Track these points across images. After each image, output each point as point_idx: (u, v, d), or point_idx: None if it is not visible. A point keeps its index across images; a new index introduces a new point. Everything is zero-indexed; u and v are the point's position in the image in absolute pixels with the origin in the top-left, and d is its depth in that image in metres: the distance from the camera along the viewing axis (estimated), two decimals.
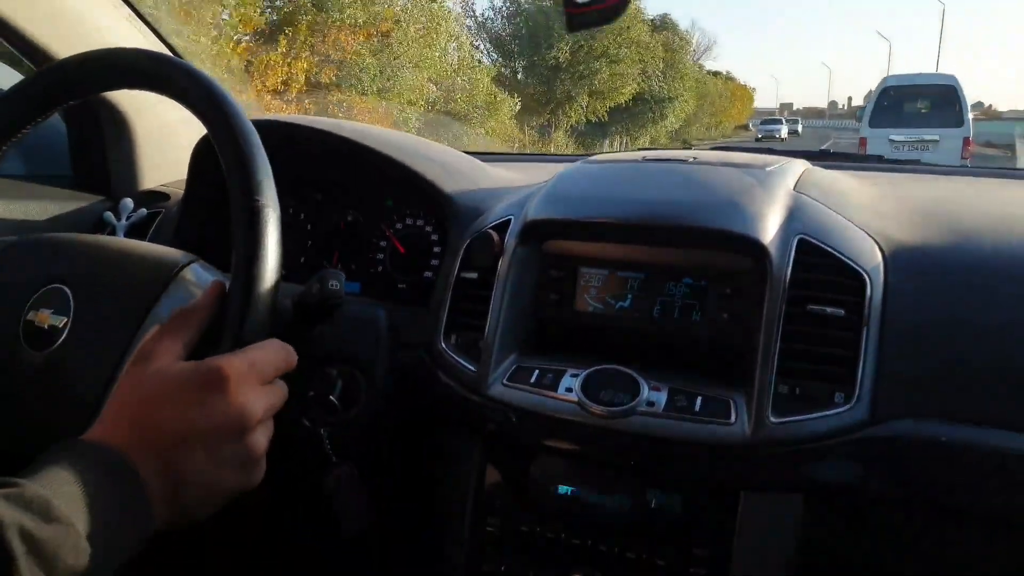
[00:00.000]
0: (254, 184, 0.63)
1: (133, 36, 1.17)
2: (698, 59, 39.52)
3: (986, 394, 0.73)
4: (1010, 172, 1.25)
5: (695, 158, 0.96)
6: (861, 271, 0.78)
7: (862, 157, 1.41)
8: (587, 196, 0.91)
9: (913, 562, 0.81)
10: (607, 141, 22.01)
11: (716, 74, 44.72)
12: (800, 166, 0.98)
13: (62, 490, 0.45)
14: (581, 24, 0.83)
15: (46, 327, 0.71)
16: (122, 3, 1.15)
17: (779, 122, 39.65)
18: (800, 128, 45.35)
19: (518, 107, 15.50)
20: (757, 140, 29.54)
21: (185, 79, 0.68)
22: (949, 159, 8.50)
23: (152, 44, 1.23)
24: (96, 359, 0.68)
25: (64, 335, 0.70)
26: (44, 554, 0.42)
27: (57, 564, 0.42)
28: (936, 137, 9.01)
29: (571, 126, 20.37)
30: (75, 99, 0.74)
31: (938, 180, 1.20)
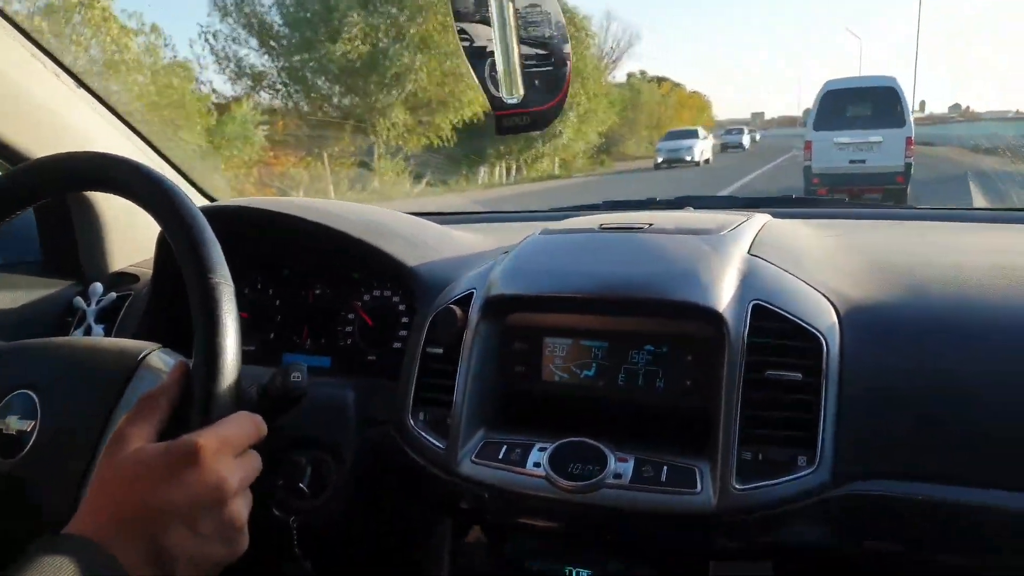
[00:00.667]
0: (206, 265, 0.65)
1: (108, 134, 1.20)
2: (614, 59, 33.07)
3: (945, 451, 0.74)
4: (956, 213, 1.28)
5: (651, 224, 0.97)
6: (816, 333, 0.79)
7: (825, 201, 1.43)
8: (546, 270, 0.92)
9: None
10: (483, 170, 16.68)
11: (660, 80, 40.18)
12: (758, 223, 1.00)
13: None
14: (508, 130, 0.85)
15: (14, 432, 0.71)
16: (95, 100, 1.17)
17: (741, 132, 37.86)
18: (758, 136, 45.38)
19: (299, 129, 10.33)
20: (657, 166, 22.87)
21: (132, 177, 0.70)
22: (893, 159, 9.01)
23: (125, 135, 1.25)
24: (65, 458, 0.69)
25: (32, 439, 0.71)
26: None
27: None
28: (880, 138, 9.25)
29: (421, 150, 13.81)
30: (30, 205, 0.76)
31: (895, 227, 1.23)
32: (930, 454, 0.75)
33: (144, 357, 0.74)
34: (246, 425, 0.61)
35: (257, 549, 0.64)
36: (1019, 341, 0.77)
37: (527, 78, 0.87)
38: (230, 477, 0.57)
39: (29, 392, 0.74)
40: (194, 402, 0.62)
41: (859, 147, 9.39)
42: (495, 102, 0.83)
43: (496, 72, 0.83)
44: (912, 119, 9.47)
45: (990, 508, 0.71)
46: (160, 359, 0.75)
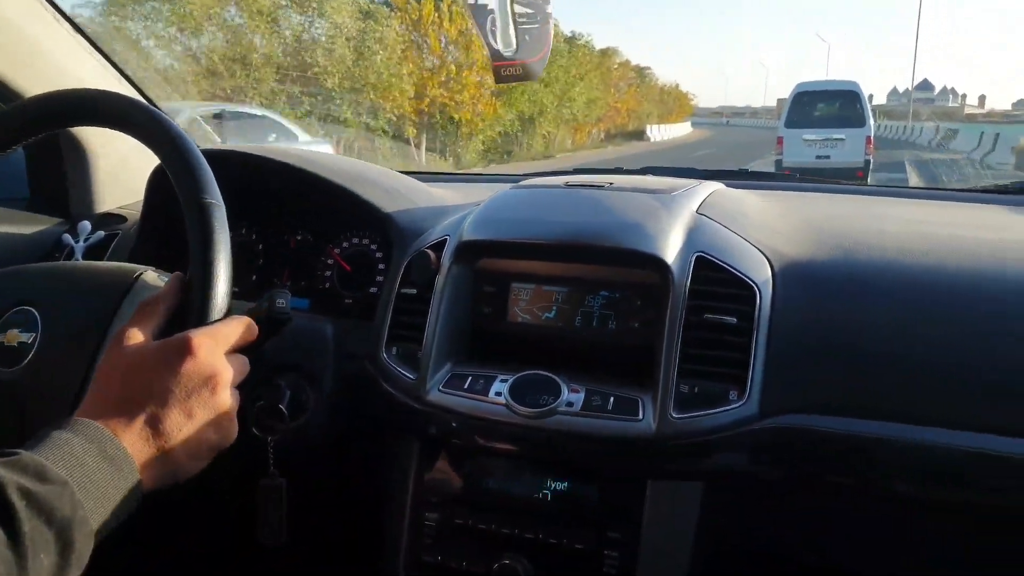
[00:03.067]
0: (201, 185, 0.71)
1: (96, 72, 1.24)
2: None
3: (855, 389, 0.84)
4: (898, 190, 1.38)
5: (611, 183, 1.06)
6: (752, 283, 0.89)
7: (777, 176, 1.53)
8: (515, 219, 1.00)
9: (801, 541, 0.92)
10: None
11: (604, 53, 30.86)
12: (708, 188, 1.10)
13: (54, 457, 0.52)
14: (506, 79, 0.93)
15: (16, 344, 0.77)
16: (87, 43, 1.21)
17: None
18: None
19: None
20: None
21: (132, 111, 0.76)
22: (855, 155, 10.12)
23: (118, 80, 1.29)
24: (66, 366, 0.75)
25: (34, 351, 0.76)
26: (42, 507, 0.49)
27: (55, 515, 0.49)
28: (843, 136, 10.34)
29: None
30: (37, 135, 0.81)
31: (833, 198, 1.33)
32: (844, 392, 0.85)
33: (140, 275, 0.80)
34: (237, 326, 0.67)
35: (236, 463, 0.71)
36: (930, 296, 0.88)
37: (520, 33, 0.96)
38: (222, 370, 0.63)
39: (30, 308, 0.79)
40: (190, 308, 0.68)
41: (824, 143, 10.43)
42: (494, 54, 0.91)
43: (495, 27, 0.91)
44: (872, 120, 10.58)
45: (890, 439, 0.82)
46: (154, 276, 0.81)
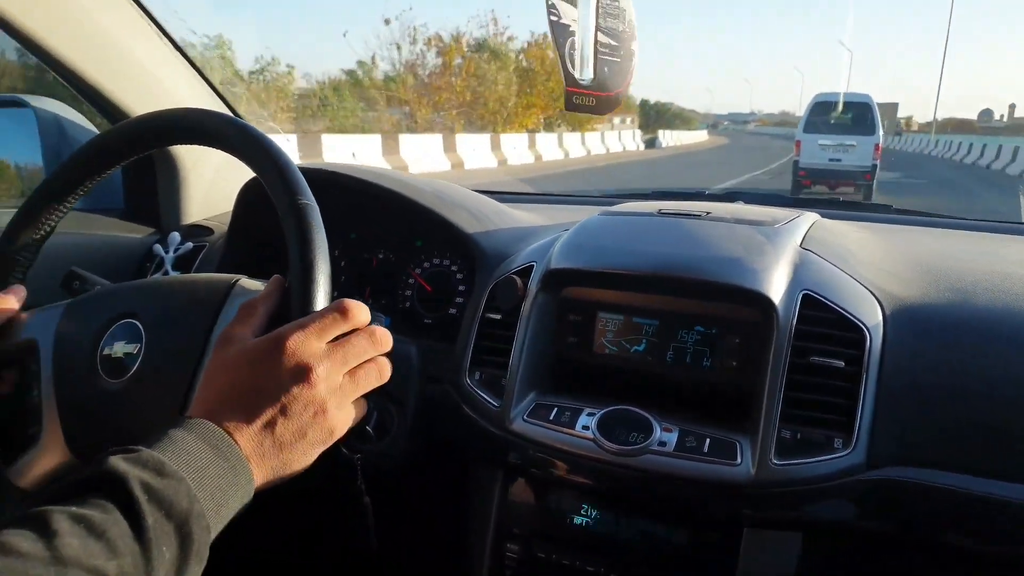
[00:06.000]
0: (295, 189, 0.71)
1: (196, 92, 1.28)
2: None
3: (974, 445, 0.79)
4: (1008, 227, 1.30)
5: (708, 213, 1.02)
6: (862, 325, 0.84)
7: (870, 206, 1.46)
8: (605, 247, 0.97)
9: None
10: None
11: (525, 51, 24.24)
12: (808, 220, 1.05)
13: (171, 453, 0.53)
14: (574, 108, 0.91)
15: (122, 356, 0.79)
16: (188, 64, 1.25)
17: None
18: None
19: None
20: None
21: (227, 128, 0.77)
22: (864, 160, 11.38)
23: (212, 97, 1.33)
24: (171, 375, 0.76)
25: (139, 361, 0.78)
26: (162, 500, 0.50)
27: (174, 508, 0.50)
28: (854, 143, 11.47)
29: None
30: (141, 154, 0.83)
31: (939, 234, 1.26)
32: (960, 447, 0.79)
33: (237, 281, 0.81)
34: (329, 316, 0.65)
35: (326, 480, 0.70)
36: None
37: (600, 63, 0.93)
38: (315, 362, 0.61)
39: (133, 320, 0.81)
40: (292, 306, 0.67)
41: (837, 148, 11.64)
42: (569, 78, 0.88)
43: (575, 51, 0.88)
44: (881, 130, 11.87)
45: (1013, 501, 0.76)
46: (250, 282, 0.82)
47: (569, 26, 0.91)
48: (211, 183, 1.36)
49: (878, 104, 12.43)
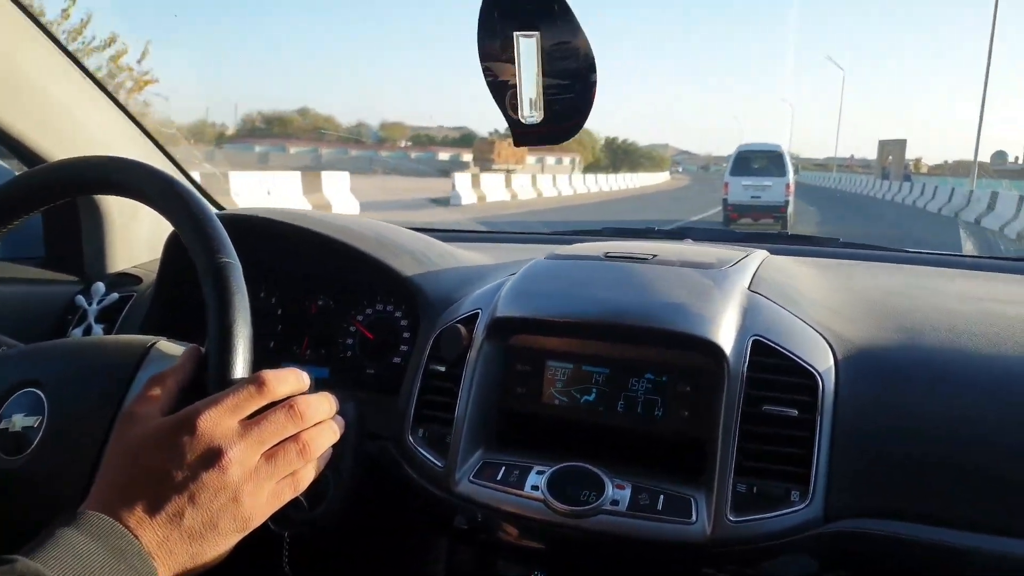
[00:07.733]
0: (215, 246, 0.66)
1: (125, 134, 1.21)
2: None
3: (933, 493, 0.76)
4: (949, 259, 1.32)
5: (655, 255, 1.00)
6: (814, 371, 0.81)
7: (817, 240, 1.47)
8: (551, 294, 0.94)
9: None
10: None
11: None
12: (757, 259, 1.03)
13: (55, 559, 0.47)
14: (526, 141, 0.87)
15: (20, 430, 0.71)
16: (112, 102, 1.18)
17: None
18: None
19: None
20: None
21: (144, 180, 0.71)
22: (778, 197, 14.15)
23: (142, 139, 1.27)
24: (75, 451, 0.69)
25: (40, 435, 0.71)
26: None
27: None
28: (770, 183, 14.26)
29: None
30: (50, 204, 0.76)
31: (884, 268, 1.26)
32: (918, 495, 0.77)
33: (153, 344, 0.74)
34: (244, 390, 0.59)
35: (244, 564, 0.64)
36: (1007, 387, 0.80)
37: (548, 104, 0.89)
38: (228, 444, 0.55)
39: (34, 390, 0.74)
40: (209, 379, 0.62)
41: (756, 188, 14.39)
42: (515, 124, 0.85)
43: (518, 100, 0.85)
44: (792, 174, 14.69)
45: (973, 551, 0.74)
46: (169, 346, 0.75)
47: (507, 81, 0.87)
48: (139, 227, 1.29)
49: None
